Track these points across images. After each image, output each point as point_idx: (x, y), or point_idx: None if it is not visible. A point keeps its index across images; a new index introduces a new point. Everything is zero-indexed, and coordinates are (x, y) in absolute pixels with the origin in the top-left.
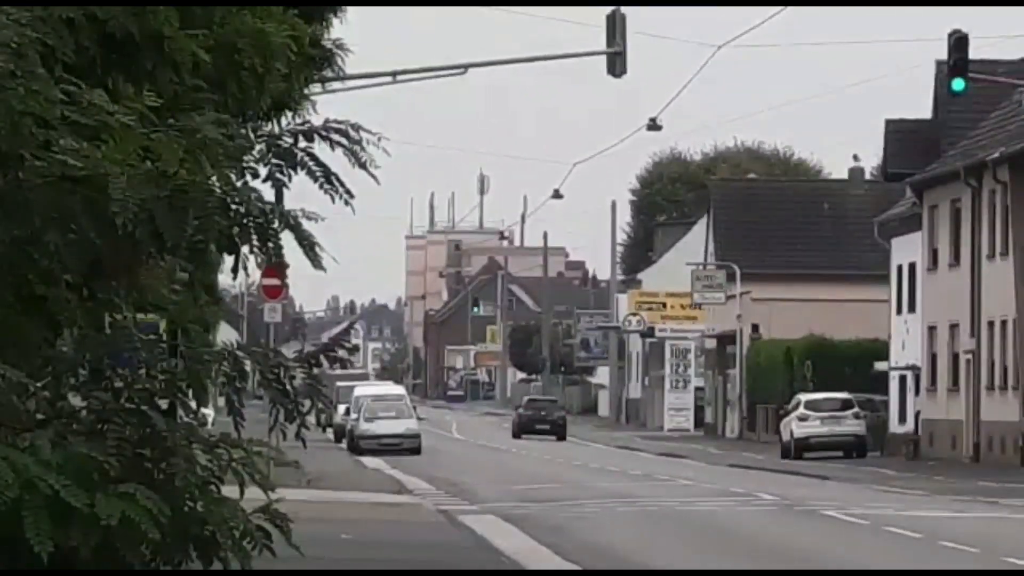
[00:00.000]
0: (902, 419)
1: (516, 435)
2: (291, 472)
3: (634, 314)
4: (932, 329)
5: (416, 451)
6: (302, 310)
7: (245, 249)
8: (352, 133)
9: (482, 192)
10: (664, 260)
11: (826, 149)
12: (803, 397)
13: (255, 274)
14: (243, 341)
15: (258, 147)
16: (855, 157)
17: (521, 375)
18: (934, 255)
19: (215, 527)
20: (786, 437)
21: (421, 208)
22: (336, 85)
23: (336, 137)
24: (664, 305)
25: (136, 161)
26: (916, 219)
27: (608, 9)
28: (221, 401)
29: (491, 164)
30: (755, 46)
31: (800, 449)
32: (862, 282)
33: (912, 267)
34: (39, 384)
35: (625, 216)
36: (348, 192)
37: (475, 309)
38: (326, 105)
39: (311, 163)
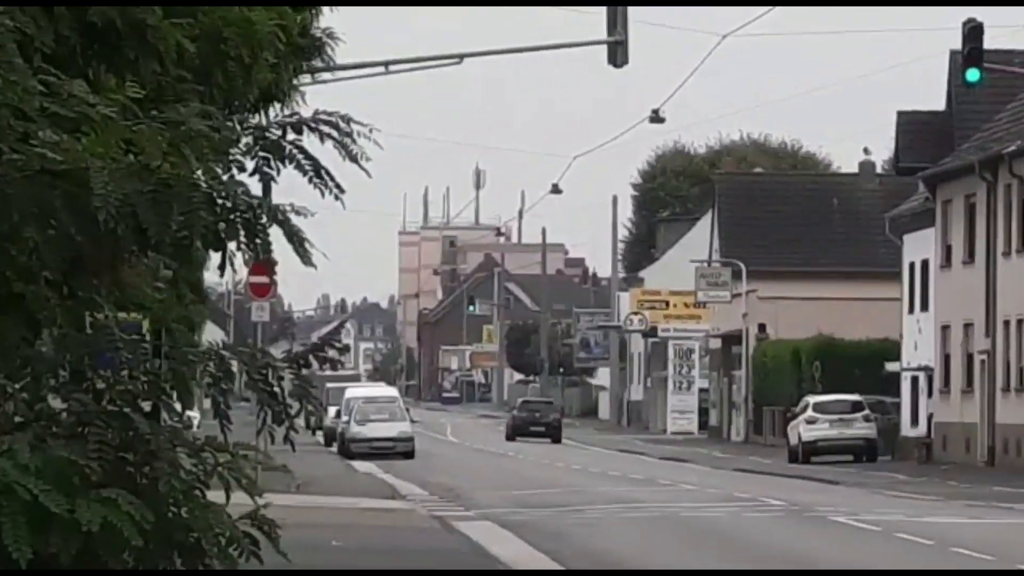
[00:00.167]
0: (914, 422)
1: (510, 437)
2: (279, 477)
3: (636, 313)
4: (945, 328)
5: (409, 455)
6: (291, 309)
7: (232, 245)
8: (343, 125)
9: (478, 186)
10: (667, 257)
11: (835, 142)
12: (811, 399)
13: (242, 271)
14: (230, 341)
15: (245, 140)
16: (866, 150)
17: (519, 376)
18: (948, 252)
19: (200, 534)
20: (794, 441)
21: (415, 203)
22: (326, 76)
23: (326, 129)
24: (667, 304)
25: (118, 154)
26: (929, 215)
27: None
28: (206, 403)
29: (487, 157)
30: (761, 35)
31: (808, 453)
32: (873, 280)
33: (925, 264)
34: (17, 386)
35: (627, 211)
36: (339, 186)
37: (471, 308)
38: (316, 96)
39: (300, 156)
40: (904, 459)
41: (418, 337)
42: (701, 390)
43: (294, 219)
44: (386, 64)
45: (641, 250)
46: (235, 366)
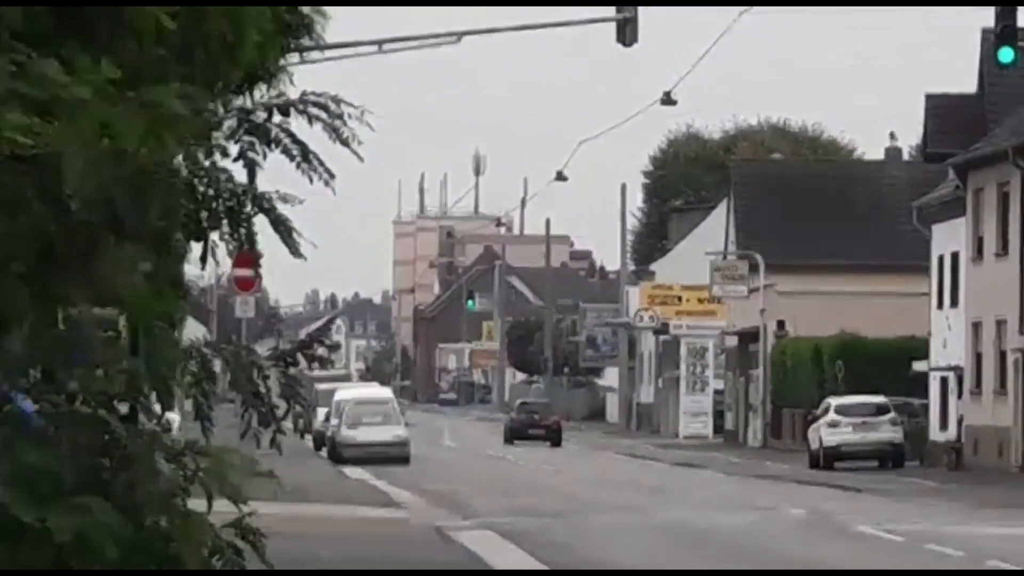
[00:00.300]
0: (943, 425)
1: (508, 440)
2: (265, 483)
3: (646, 309)
4: (976, 325)
5: (404, 460)
6: (277, 304)
7: (214, 236)
8: (332, 106)
9: (478, 173)
10: (679, 249)
11: (860, 126)
12: (833, 401)
13: (226, 264)
14: (212, 338)
15: (228, 123)
16: (892, 135)
17: (521, 376)
18: (979, 243)
19: (180, 544)
20: (815, 445)
21: (410, 191)
22: (315, 55)
23: (315, 111)
24: (679, 299)
25: (93, 138)
26: (959, 204)
27: None
28: (187, 405)
29: (488, 142)
30: (780, 11)
31: (830, 458)
32: (899, 273)
33: (955, 257)
34: None
35: (636, 200)
36: (328, 171)
37: (470, 303)
38: (304, 77)
39: (287, 140)
40: (932, 465)
41: (414, 334)
42: (716, 391)
43: (281, 207)
44: (379, 43)
45: (652, 242)
46: (218, 365)
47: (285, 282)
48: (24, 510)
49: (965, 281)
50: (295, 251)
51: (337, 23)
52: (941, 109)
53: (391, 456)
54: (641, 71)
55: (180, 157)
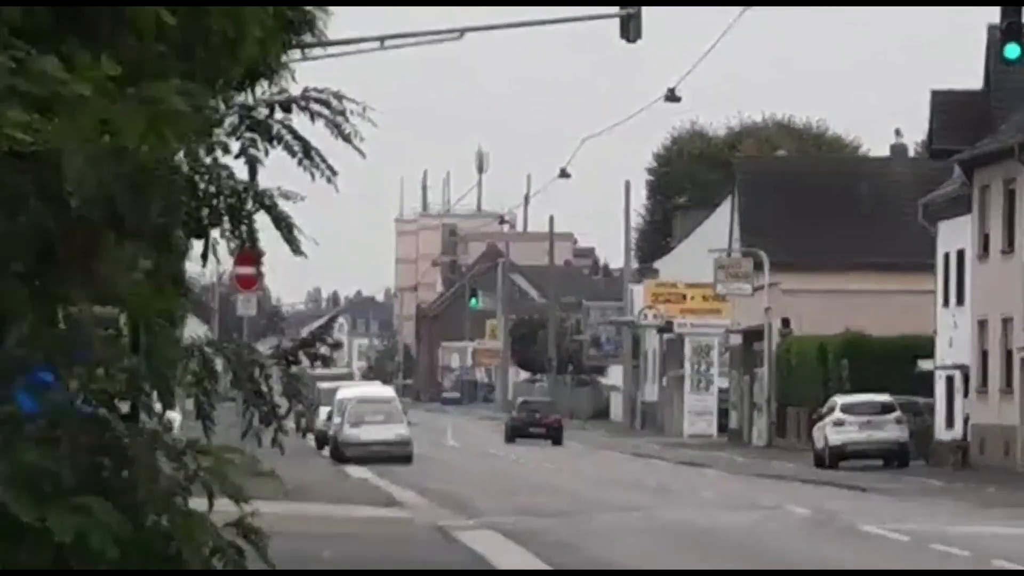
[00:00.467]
0: (949, 424)
1: (509, 439)
2: (267, 482)
3: (650, 307)
4: (983, 323)
5: (407, 459)
6: (279, 302)
7: (215, 233)
8: (334, 102)
9: (480, 171)
10: (683, 247)
11: (865, 123)
12: (839, 400)
13: (227, 262)
14: (214, 337)
15: (230, 119)
16: (897, 132)
17: (524, 375)
18: (985, 241)
19: (181, 544)
20: (820, 444)
21: (413, 189)
22: (317, 52)
23: (317, 107)
24: (684, 297)
25: (93, 135)
26: (965, 201)
27: None
28: (188, 403)
29: (491, 139)
30: (784, 8)
31: (835, 457)
32: (905, 271)
33: (960, 254)
34: None
35: (640, 198)
36: (330, 168)
37: (473, 301)
38: (306, 74)
39: (289, 136)
40: (938, 464)
41: (416, 333)
42: (720, 390)
43: (282, 204)
44: (382, 39)
45: (656, 239)
46: (219, 363)
47: (287, 280)
48: (24, 510)
49: (971, 279)
50: (296, 249)
51: (339, 20)
52: (947, 106)
53: (393, 455)
54: (645, 68)
55: (181, 154)
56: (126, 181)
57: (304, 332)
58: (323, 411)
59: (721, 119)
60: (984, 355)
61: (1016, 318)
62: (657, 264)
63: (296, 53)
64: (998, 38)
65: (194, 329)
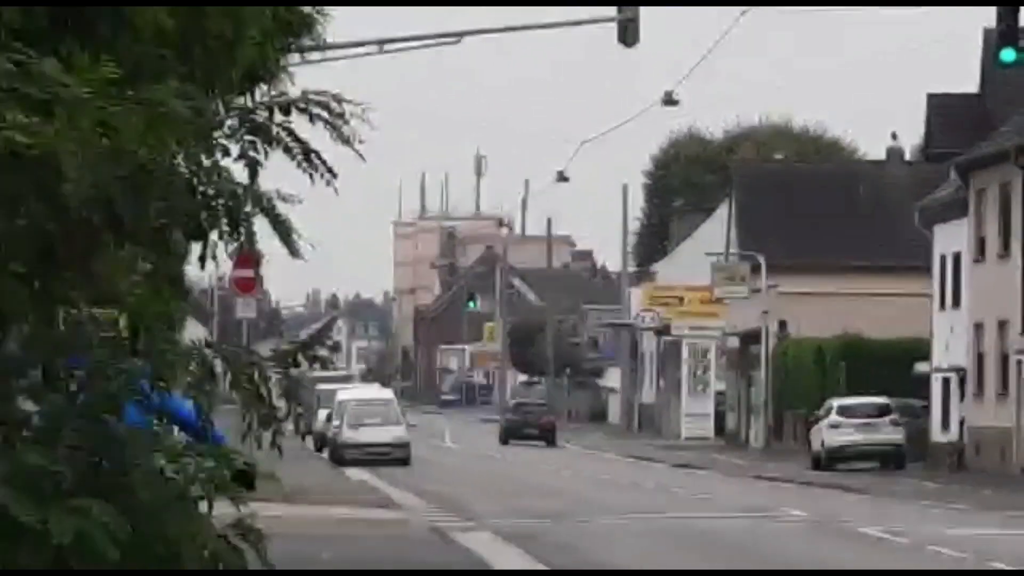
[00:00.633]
0: (945, 427)
1: (503, 441)
2: (266, 484)
3: (648, 310)
4: (979, 327)
5: (405, 461)
6: (278, 305)
7: (214, 235)
8: (334, 105)
9: (479, 174)
10: (681, 250)
11: (862, 126)
12: (835, 402)
13: (226, 265)
14: (213, 339)
15: (229, 122)
16: (894, 135)
17: (522, 377)
18: (981, 244)
19: (180, 545)
20: (817, 446)
21: (411, 192)
22: (316, 55)
23: (316, 110)
24: (681, 300)
25: (92, 137)
26: (961, 204)
27: None
28: (188, 405)
29: (489, 142)
30: (782, 12)
31: (832, 460)
32: (901, 274)
33: (957, 257)
34: None
35: (638, 201)
36: (330, 170)
37: (471, 304)
38: (304, 78)
39: (288, 139)
40: (934, 466)
41: (415, 335)
42: (717, 393)
43: (281, 207)
44: (380, 43)
45: (653, 242)
46: (219, 366)
47: (286, 283)
48: (24, 510)
49: (967, 282)
50: (294, 251)
51: (338, 23)
52: (943, 109)
53: (392, 457)
54: (643, 71)
55: (180, 156)
56: (125, 183)
57: (303, 334)
58: (322, 413)
59: (719, 122)
60: (980, 358)
61: (1012, 322)
62: (655, 267)
63: (295, 57)
64: (994, 42)
65: (193, 331)
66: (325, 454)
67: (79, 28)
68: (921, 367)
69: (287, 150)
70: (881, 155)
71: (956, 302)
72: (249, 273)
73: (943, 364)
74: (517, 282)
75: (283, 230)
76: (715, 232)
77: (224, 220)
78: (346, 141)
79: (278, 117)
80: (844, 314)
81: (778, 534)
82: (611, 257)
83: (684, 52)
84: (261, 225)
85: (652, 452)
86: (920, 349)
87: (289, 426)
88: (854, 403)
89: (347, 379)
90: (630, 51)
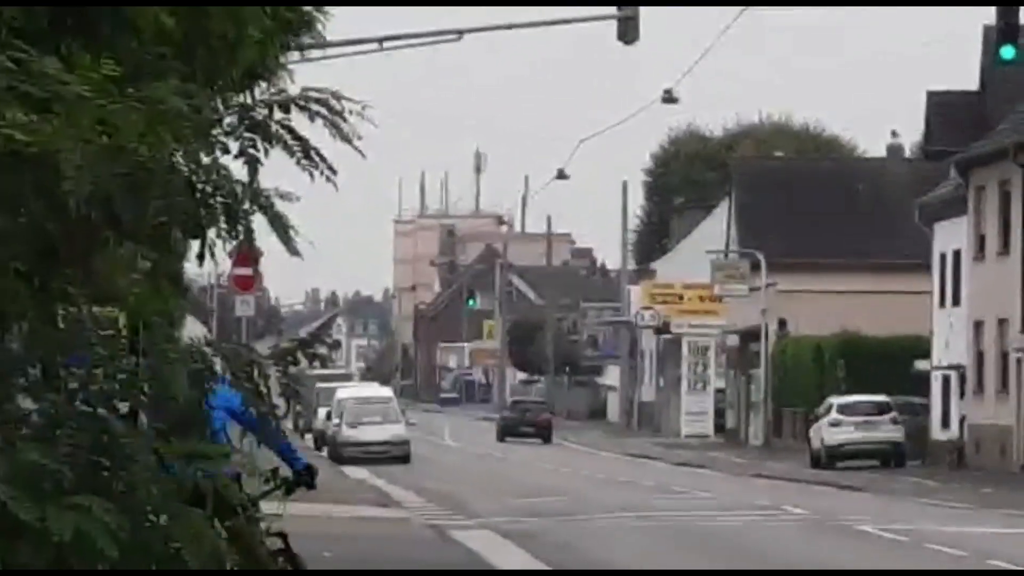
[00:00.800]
0: (945, 424)
1: (500, 438)
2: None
3: (647, 308)
4: (979, 324)
5: (405, 459)
6: (278, 303)
7: (212, 233)
8: (333, 102)
9: (478, 172)
10: (681, 248)
11: (861, 124)
12: (835, 400)
13: (226, 263)
14: (212, 337)
15: (229, 119)
16: (893, 133)
17: (522, 375)
18: (981, 242)
19: (180, 543)
20: (816, 444)
21: (411, 189)
22: (316, 53)
23: (316, 107)
24: (681, 298)
25: (92, 135)
26: (961, 202)
27: None
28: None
29: (488, 140)
30: (782, 9)
31: (832, 458)
32: (901, 272)
33: (956, 255)
34: None
35: (637, 198)
36: (330, 167)
37: (470, 302)
38: (304, 76)
39: (288, 136)
40: (934, 464)
41: (414, 333)
42: (717, 390)
43: (280, 205)
44: (380, 40)
45: (653, 240)
46: (218, 364)
47: (285, 280)
48: (24, 509)
49: (967, 280)
50: (292, 249)
51: (338, 21)
52: (943, 107)
53: (391, 455)
54: (642, 69)
55: (179, 154)
56: (124, 181)
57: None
58: (321, 411)
59: (718, 120)
60: (980, 356)
61: (1012, 319)
62: (654, 265)
63: (295, 55)
64: (994, 39)
65: (193, 329)
66: (324, 452)
67: (80, 28)
68: (921, 365)
69: (287, 148)
70: (881, 153)
71: (956, 300)
72: (248, 271)
73: (943, 362)
74: (516, 280)
75: (281, 228)
76: (715, 230)
77: (222, 218)
78: (345, 139)
79: (278, 115)
80: (844, 312)
81: (777, 532)
82: (611, 255)
83: (684, 50)
84: (260, 223)
85: (651, 450)
86: (920, 347)
87: (288, 424)
88: (854, 401)
89: (346, 377)
90: (630, 49)
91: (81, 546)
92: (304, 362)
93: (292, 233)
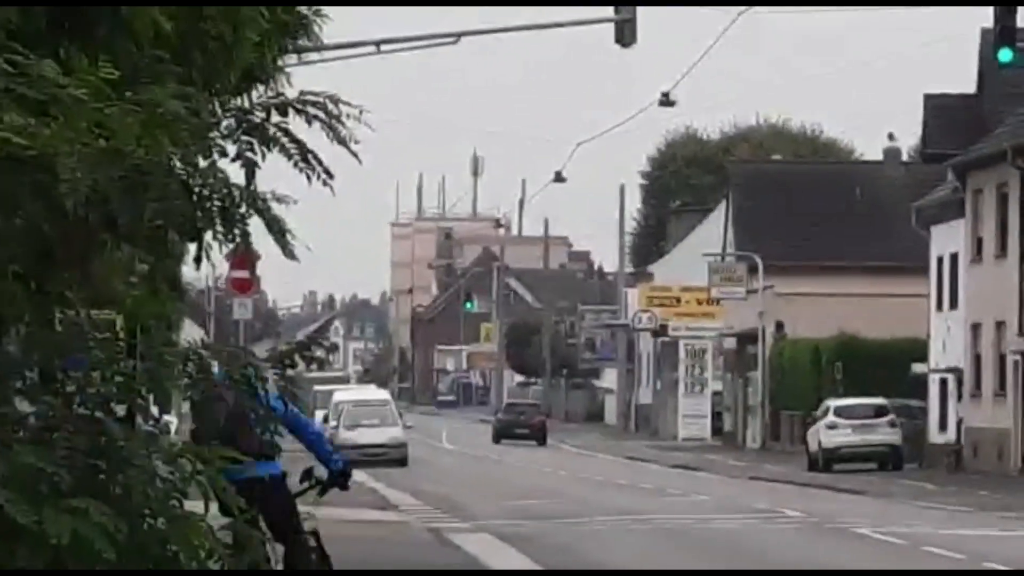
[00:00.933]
0: (942, 427)
1: (495, 440)
2: None
3: (644, 311)
4: (976, 327)
5: (402, 462)
6: (275, 306)
7: (209, 236)
8: (331, 106)
9: (476, 175)
10: (678, 251)
11: (859, 127)
12: (832, 403)
13: (223, 266)
14: (210, 340)
15: (226, 122)
16: (891, 136)
17: (519, 378)
18: (978, 245)
19: (177, 546)
20: (813, 447)
21: (408, 192)
22: (313, 56)
23: (313, 111)
24: (678, 300)
25: (89, 138)
26: (958, 205)
27: None
28: (185, 407)
29: (486, 143)
30: (779, 12)
31: (829, 460)
32: (898, 275)
33: (954, 258)
34: None
35: (635, 202)
36: (327, 171)
37: (468, 305)
38: (302, 79)
39: (285, 139)
40: (932, 467)
41: (411, 336)
42: (714, 393)
43: (277, 208)
44: (378, 43)
45: (650, 243)
46: (215, 367)
47: (283, 283)
48: (21, 511)
49: (964, 283)
50: (288, 252)
51: (336, 24)
52: (940, 109)
53: (389, 458)
54: (640, 72)
55: (176, 157)
56: (121, 183)
57: (300, 335)
58: (319, 414)
59: (716, 123)
60: (977, 359)
61: (1008, 322)
62: (652, 268)
63: (292, 58)
64: (992, 42)
65: (190, 332)
66: None
67: (77, 31)
68: (918, 368)
69: (284, 151)
70: (878, 156)
71: (953, 303)
72: (246, 274)
73: (940, 365)
74: (514, 283)
75: (277, 231)
76: (712, 233)
77: (219, 221)
78: (343, 142)
79: (275, 118)
80: (841, 315)
81: (775, 535)
82: (608, 258)
83: (681, 52)
84: (257, 226)
85: (649, 453)
86: (917, 350)
87: None
88: (851, 404)
89: (344, 380)
90: (627, 51)
91: (78, 548)
92: (302, 365)
93: (289, 236)
